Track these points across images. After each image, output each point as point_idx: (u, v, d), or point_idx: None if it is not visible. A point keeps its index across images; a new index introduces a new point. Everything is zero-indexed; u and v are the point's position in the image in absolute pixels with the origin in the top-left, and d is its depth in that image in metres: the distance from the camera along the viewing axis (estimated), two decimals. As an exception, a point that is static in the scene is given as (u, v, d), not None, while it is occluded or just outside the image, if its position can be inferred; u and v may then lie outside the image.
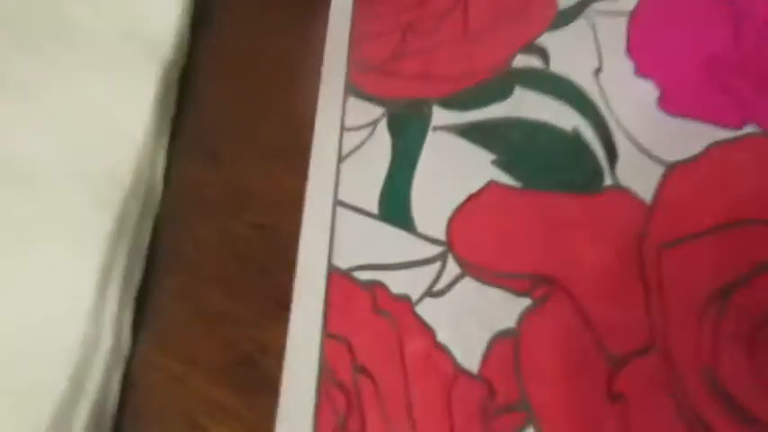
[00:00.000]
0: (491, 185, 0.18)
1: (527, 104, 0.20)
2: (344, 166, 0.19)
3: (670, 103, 0.20)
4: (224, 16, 0.24)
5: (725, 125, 0.19)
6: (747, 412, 0.15)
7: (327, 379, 0.16)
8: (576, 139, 0.19)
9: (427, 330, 0.16)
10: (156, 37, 0.23)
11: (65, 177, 0.20)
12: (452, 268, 0.17)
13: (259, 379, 0.17)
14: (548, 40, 0.21)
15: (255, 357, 0.17)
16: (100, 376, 0.17)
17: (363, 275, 0.17)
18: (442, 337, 0.16)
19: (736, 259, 0.17)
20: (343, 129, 0.20)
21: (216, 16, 0.25)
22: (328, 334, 0.16)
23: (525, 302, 0.16)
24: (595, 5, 0.22)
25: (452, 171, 0.19)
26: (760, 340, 0.16)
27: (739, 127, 0.19)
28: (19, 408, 0.16)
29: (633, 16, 0.22)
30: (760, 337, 0.16)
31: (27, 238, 0.19)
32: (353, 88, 0.21)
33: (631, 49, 0.21)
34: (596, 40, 0.21)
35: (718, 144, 0.19)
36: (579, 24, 0.22)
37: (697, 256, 0.17)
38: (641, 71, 0.21)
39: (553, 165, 0.19)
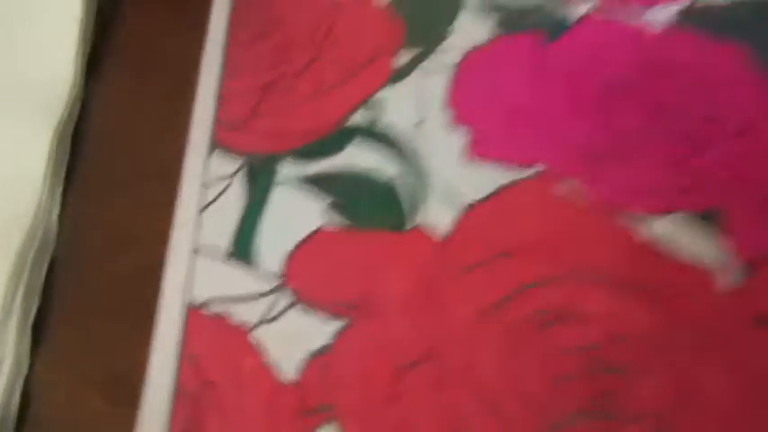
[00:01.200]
0: (322, 228, 0.22)
1: (358, 156, 0.24)
2: (206, 213, 0.23)
3: (478, 148, 0.24)
4: (112, 72, 0.28)
5: (519, 166, 0.24)
6: (506, 412, 0.19)
7: (180, 393, 0.20)
8: (392, 187, 0.23)
9: (259, 351, 0.20)
10: (52, 95, 0.27)
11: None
12: (286, 298, 0.21)
13: (131, 393, 0.21)
14: (384, 95, 0.26)
15: (130, 375, 0.21)
16: (3, 394, 0.21)
17: (214, 307, 0.21)
18: (272, 355, 0.20)
19: (506, 281, 0.21)
20: (206, 180, 0.24)
21: (106, 71, 0.28)
22: (184, 356, 0.20)
23: (340, 324, 0.21)
24: (425, 63, 0.26)
25: (293, 215, 0.23)
26: (521, 350, 0.20)
27: (530, 165, 0.24)
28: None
29: (456, 72, 0.26)
30: (520, 347, 0.20)
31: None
32: (217, 144, 0.25)
33: (452, 99, 0.26)
34: (423, 94, 0.26)
35: (509, 185, 0.23)
36: (411, 79, 0.26)
37: (475, 281, 0.21)
38: (457, 121, 0.25)
39: (374, 209, 0.23)
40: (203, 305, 0.21)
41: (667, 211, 0.22)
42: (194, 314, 0.21)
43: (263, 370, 0.20)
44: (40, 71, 0.27)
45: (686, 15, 0.27)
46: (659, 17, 0.27)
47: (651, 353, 0.20)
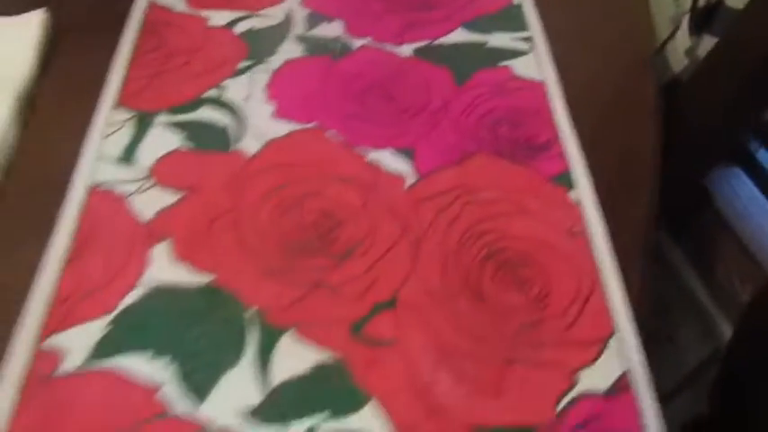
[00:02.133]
0: (179, 148, 0.37)
1: (207, 114, 0.40)
2: (108, 139, 0.38)
3: (280, 111, 0.40)
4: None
5: (304, 123, 0.40)
6: (257, 241, 0.34)
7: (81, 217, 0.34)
8: (224, 129, 0.39)
9: (130, 208, 0.35)
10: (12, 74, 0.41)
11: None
12: (150, 183, 0.36)
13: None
14: (227, 83, 0.42)
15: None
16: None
17: (106, 186, 0.36)
18: (137, 208, 0.34)
19: (282, 180, 0.36)
20: (110, 122, 0.39)
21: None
22: (85, 205, 0.34)
23: (181, 195, 0.35)
24: (257, 66, 0.43)
25: (161, 142, 0.38)
26: (283, 215, 0.35)
27: (309, 122, 0.40)
28: None
29: (274, 73, 0.42)
30: (282, 213, 0.35)
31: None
32: (120, 103, 0.40)
33: (270, 87, 0.42)
34: (251, 83, 0.42)
35: (297, 131, 0.39)
36: (246, 76, 0.42)
37: (264, 179, 0.36)
38: (269, 98, 0.41)
39: (211, 140, 0.38)
40: (100, 184, 0.35)
41: (383, 147, 0.39)
42: (94, 189, 0.35)
43: (131, 218, 0.34)
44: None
45: (420, 51, 0.45)
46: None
47: (358, 217, 0.35)
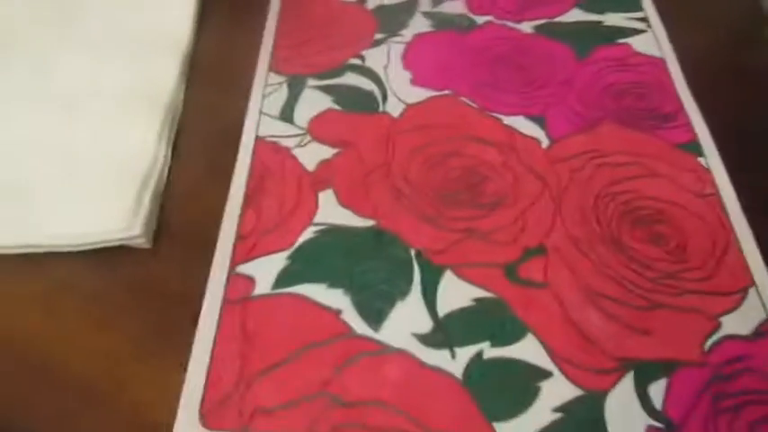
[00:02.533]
0: (329, 109, 0.41)
1: (352, 78, 0.43)
2: (266, 100, 0.41)
3: (417, 80, 0.44)
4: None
5: (439, 90, 0.43)
6: (414, 189, 0.37)
7: (251, 171, 0.37)
8: (369, 92, 0.42)
9: (294, 159, 0.38)
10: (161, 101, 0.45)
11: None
12: (308, 138, 0.39)
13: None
14: (367, 53, 0.45)
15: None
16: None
17: (271, 139, 0.39)
18: (300, 161, 0.38)
19: (427, 139, 0.40)
20: (267, 84, 0.42)
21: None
22: (254, 159, 0.38)
23: (338, 150, 0.39)
24: (391, 39, 0.46)
25: (313, 103, 0.41)
26: (432, 166, 0.38)
27: (443, 89, 0.43)
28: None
29: (408, 45, 0.46)
30: (432, 165, 0.39)
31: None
32: (273, 68, 0.43)
33: (405, 57, 0.45)
34: (389, 53, 0.45)
35: (433, 97, 0.42)
36: (383, 47, 0.46)
37: (410, 137, 0.40)
38: (405, 67, 0.44)
39: (359, 103, 0.41)
40: (265, 137, 0.39)
41: (515, 114, 0.41)
42: (260, 141, 0.39)
43: (297, 167, 0.37)
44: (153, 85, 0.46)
45: (540, 28, 0.47)
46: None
47: (501, 174, 0.38)
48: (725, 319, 0.32)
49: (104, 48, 0.44)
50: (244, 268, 0.34)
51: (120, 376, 0.31)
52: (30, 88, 0.41)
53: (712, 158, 0.39)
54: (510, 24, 0.48)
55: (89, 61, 0.43)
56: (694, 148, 0.40)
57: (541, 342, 0.32)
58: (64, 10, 0.47)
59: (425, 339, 0.32)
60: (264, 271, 0.34)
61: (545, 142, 0.40)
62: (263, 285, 0.33)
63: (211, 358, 0.31)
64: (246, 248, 0.35)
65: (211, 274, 0.33)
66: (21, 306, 0.33)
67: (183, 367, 0.30)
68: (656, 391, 0.30)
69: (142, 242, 0.35)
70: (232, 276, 0.33)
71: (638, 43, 0.47)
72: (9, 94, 0.41)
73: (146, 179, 0.37)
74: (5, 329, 0.32)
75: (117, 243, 0.35)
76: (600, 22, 0.48)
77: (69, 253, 0.34)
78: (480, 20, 0.48)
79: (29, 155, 0.38)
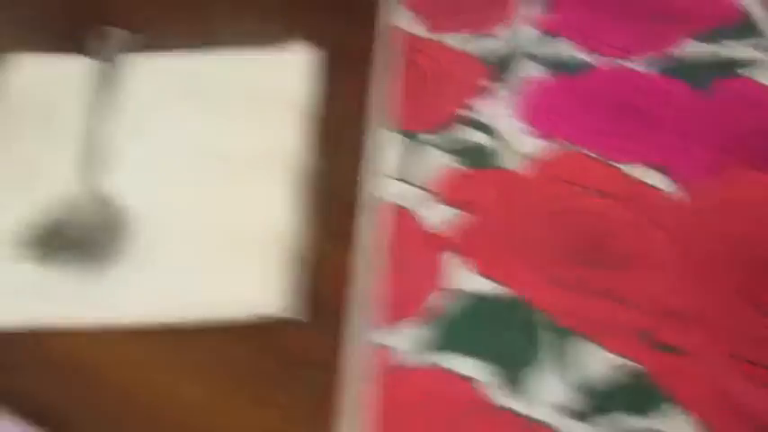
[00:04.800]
0: (449, 166, 0.42)
1: (466, 131, 0.43)
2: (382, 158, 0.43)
3: (531, 130, 0.44)
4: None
5: (554, 139, 0.43)
6: (541, 244, 0.37)
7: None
8: (483, 147, 0.42)
9: (420, 220, 0.39)
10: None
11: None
12: (432, 198, 0.40)
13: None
14: (477, 103, 0.45)
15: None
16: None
17: (393, 200, 0.40)
18: (429, 220, 0.39)
19: (553, 193, 0.40)
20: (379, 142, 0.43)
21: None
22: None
23: (458, 211, 0.39)
24: (499, 85, 0.46)
25: (430, 161, 0.42)
26: (558, 222, 0.39)
27: (559, 138, 0.43)
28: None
29: (517, 91, 0.46)
30: (557, 219, 0.39)
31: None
32: (386, 125, 0.45)
33: (516, 106, 0.45)
34: (499, 102, 0.45)
35: (545, 148, 0.42)
36: (494, 95, 0.46)
37: (543, 192, 0.40)
38: (518, 117, 0.44)
39: (477, 158, 0.42)
40: (385, 198, 0.40)
41: (636, 162, 0.41)
42: (380, 202, 0.40)
43: (420, 229, 0.39)
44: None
45: (652, 64, 0.46)
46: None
47: (626, 229, 0.38)
48: None
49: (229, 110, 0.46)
50: (380, 337, 0.35)
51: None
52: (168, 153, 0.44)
53: None
54: (620, 62, 0.47)
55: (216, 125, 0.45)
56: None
57: (689, 413, 0.31)
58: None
59: (564, 409, 0.32)
60: (403, 340, 0.35)
61: (668, 190, 0.40)
62: (402, 354, 0.34)
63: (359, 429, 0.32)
64: (380, 316, 0.36)
65: (349, 343, 0.35)
66: (177, 377, 0.36)
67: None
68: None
69: (294, 314, 0.37)
70: (369, 346, 0.35)
71: (759, 74, 0.45)
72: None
73: (289, 250, 0.39)
74: (164, 399, 0.35)
75: (272, 318, 0.36)
76: (716, 54, 0.47)
77: (220, 326, 0.37)
78: (588, 59, 0.48)
79: (172, 228, 0.40)
